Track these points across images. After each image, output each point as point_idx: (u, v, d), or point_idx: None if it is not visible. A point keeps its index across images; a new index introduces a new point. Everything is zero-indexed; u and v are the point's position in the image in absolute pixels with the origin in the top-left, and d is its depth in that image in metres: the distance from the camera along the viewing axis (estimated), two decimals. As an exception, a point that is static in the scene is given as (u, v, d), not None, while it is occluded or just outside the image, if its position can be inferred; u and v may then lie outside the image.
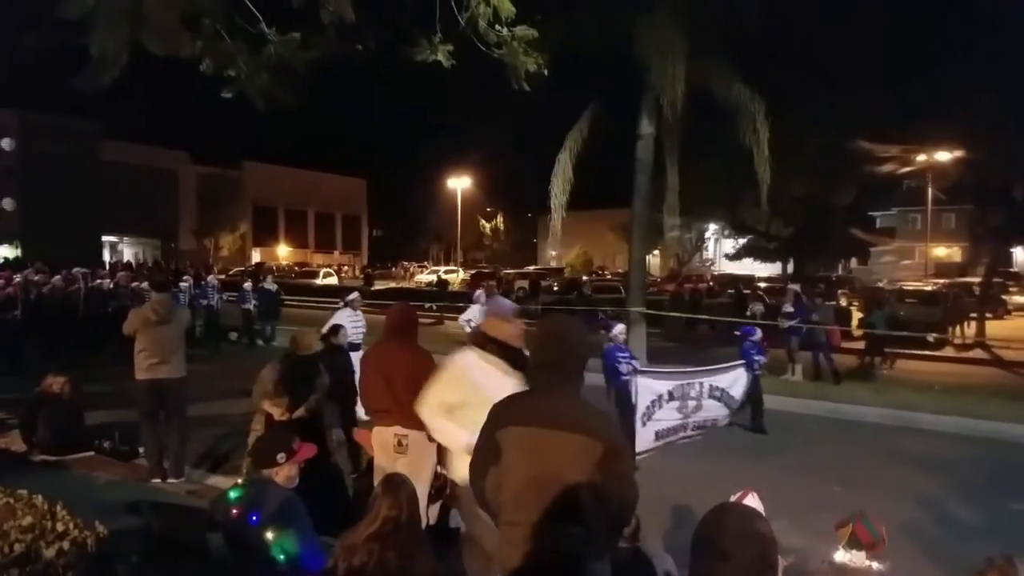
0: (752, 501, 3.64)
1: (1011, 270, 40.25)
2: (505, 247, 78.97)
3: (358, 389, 5.43)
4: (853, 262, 55.16)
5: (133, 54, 4.14)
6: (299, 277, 46.11)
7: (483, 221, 79.58)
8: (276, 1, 4.65)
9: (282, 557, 3.47)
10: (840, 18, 26.15)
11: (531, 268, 51.86)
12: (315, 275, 47.55)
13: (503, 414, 2.87)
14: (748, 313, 16.49)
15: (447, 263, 68.59)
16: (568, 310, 20.27)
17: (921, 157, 31.95)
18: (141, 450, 7.82)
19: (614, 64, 15.31)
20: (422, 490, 4.94)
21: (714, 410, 9.07)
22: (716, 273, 51.64)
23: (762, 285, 32.58)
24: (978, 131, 23.24)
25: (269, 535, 3.49)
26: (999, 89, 21.42)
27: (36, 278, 17.41)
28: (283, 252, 72.64)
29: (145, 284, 16.42)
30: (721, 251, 60.06)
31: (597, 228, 58.38)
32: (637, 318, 16.31)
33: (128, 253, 59.94)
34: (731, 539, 1.89)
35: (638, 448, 7.97)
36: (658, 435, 8.37)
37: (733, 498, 3.66)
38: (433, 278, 44.97)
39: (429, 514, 5.30)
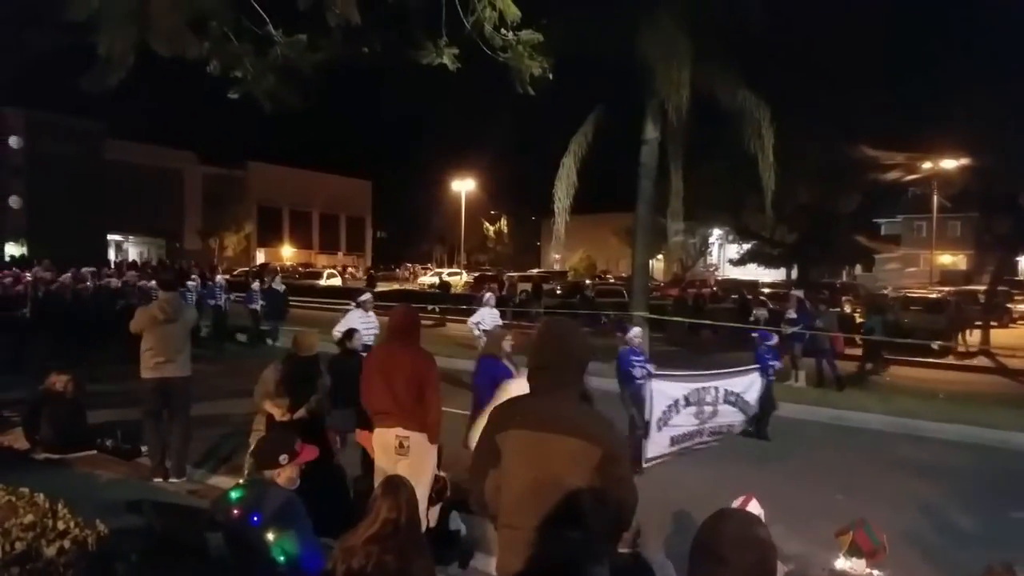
0: (753, 507, 3.64)
1: (1016, 278, 40.15)
2: (509, 250, 79.00)
3: (360, 390, 5.42)
4: (857, 269, 55.02)
5: (140, 54, 4.16)
6: (303, 278, 46.15)
7: (487, 224, 79.64)
8: (283, 3, 4.66)
9: (282, 558, 3.47)
10: (845, 24, 26.16)
11: (534, 271, 51.86)
12: (319, 276, 47.59)
13: (503, 417, 2.87)
14: (752, 319, 16.47)
15: (450, 265, 68.63)
16: (571, 314, 20.28)
17: (926, 164, 31.91)
18: (143, 449, 7.84)
19: (619, 69, 15.31)
20: (422, 492, 4.95)
21: (730, 415, 8.99)
22: (720, 278, 51.58)
23: (766, 291, 32.58)
24: (984, 138, 23.21)
25: (269, 536, 3.49)
26: (1005, 96, 21.37)
27: (45, 276, 17.48)
28: (287, 253, 72.75)
29: (153, 283, 16.44)
30: (725, 256, 60.00)
31: (601, 232, 58.40)
32: (640, 322, 16.29)
33: (133, 252, 60.07)
34: (729, 545, 1.89)
35: (652, 453, 7.93)
36: (673, 440, 8.31)
37: (735, 504, 3.67)
38: (435, 280, 44.95)
39: (429, 516, 5.32)
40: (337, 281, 48.72)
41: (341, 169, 78.69)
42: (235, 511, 3.58)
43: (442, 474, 5.62)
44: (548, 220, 19.81)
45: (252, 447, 5.67)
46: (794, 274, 41.74)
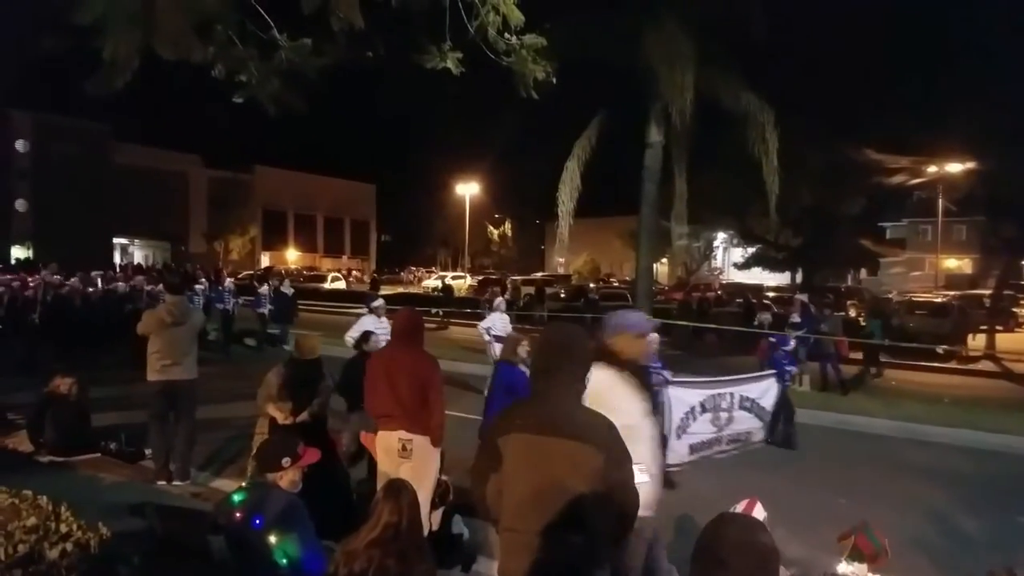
0: (757, 511, 3.63)
1: (1022, 283, 40.04)
2: (513, 253, 79.03)
3: (365, 393, 5.43)
4: (862, 273, 54.93)
5: (146, 58, 4.17)
6: (307, 281, 46.21)
7: (491, 227, 79.69)
8: (287, 7, 4.68)
9: (284, 561, 3.48)
10: (849, 27, 26.16)
11: (538, 275, 51.84)
12: (323, 279, 47.65)
13: (505, 421, 2.88)
14: (756, 323, 16.42)
15: (455, 269, 68.68)
16: (575, 317, 20.26)
17: (931, 168, 31.83)
18: (147, 451, 7.85)
19: (622, 72, 15.32)
20: (425, 496, 4.95)
21: (746, 422, 8.92)
22: (724, 282, 51.52)
23: (771, 295, 32.52)
24: (990, 142, 23.16)
25: (272, 539, 3.50)
26: (1011, 99, 21.34)
27: (53, 279, 17.52)
28: (292, 256, 72.86)
29: (160, 287, 16.47)
30: (730, 260, 59.93)
31: (605, 235, 58.40)
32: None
33: (138, 255, 60.22)
34: (730, 549, 1.90)
35: (670, 461, 7.82)
36: (692, 448, 8.26)
37: (739, 508, 3.66)
38: (439, 283, 44.95)
39: (432, 520, 5.32)
40: (341, 284, 48.74)
41: (345, 173, 78.85)
42: (237, 514, 3.59)
43: (444, 478, 5.62)
44: (552, 223, 19.78)
45: (255, 450, 5.67)
46: (799, 278, 41.67)
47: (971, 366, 20.53)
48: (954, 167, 30.66)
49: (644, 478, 3.12)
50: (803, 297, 17.52)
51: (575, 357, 2.90)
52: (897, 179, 30.67)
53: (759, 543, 1.95)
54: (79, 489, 6.07)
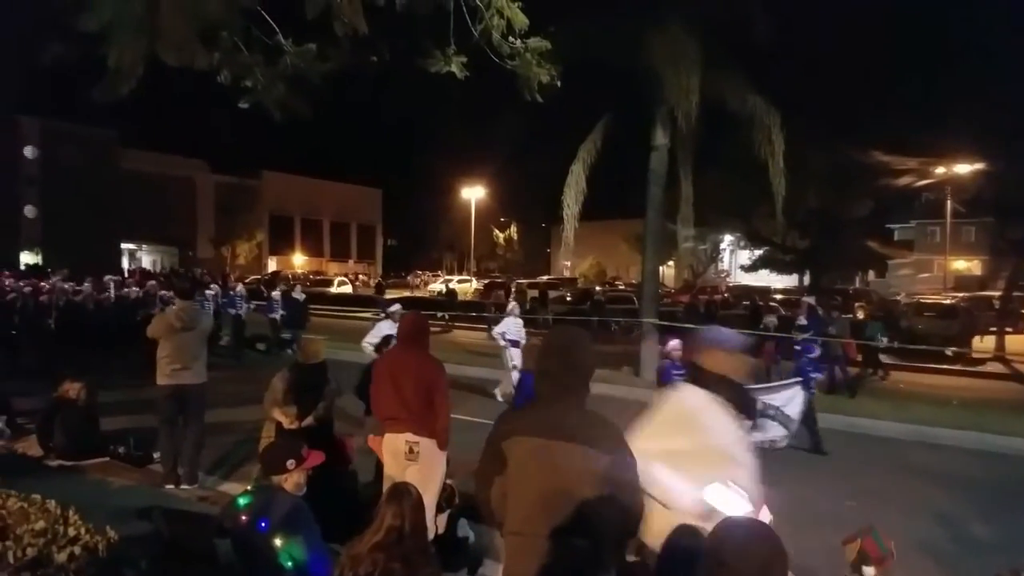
0: (763, 514, 3.62)
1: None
2: (518, 257, 79.09)
3: (370, 396, 5.44)
4: (870, 275, 54.79)
5: (153, 64, 4.20)
6: (313, 285, 46.30)
7: (496, 231, 79.73)
8: (291, 13, 4.70)
9: (289, 564, 3.49)
10: (856, 28, 26.12)
11: (544, 278, 51.86)
12: (329, 284, 47.72)
13: (509, 424, 2.88)
14: (762, 325, 16.39)
15: (460, 272, 68.74)
16: (581, 320, 20.25)
17: (940, 169, 31.74)
18: (156, 455, 7.88)
19: (627, 75, 15.32)
20: (431, 499, 4.96)
21: (771, 430, 8.82)
22: (731, 284, 51.44)
23: (778, 297, 32.44)
24: (998, 143, 23.10)
25: (277, 542, 3.51)
26: (1019, 100, 21.27)
27: (65, 285, 17.60)
28: (299, 261, 72.99)
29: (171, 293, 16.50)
30: (736, 262, 59.84)
31: (611, 238, 58.41)
32: (650, 329, 16.30)
33: (146, 260, 60.44)
34: (735, 552, 1.90)
35: None
36: None
37: (745, 511, 3.65)
38: (442, 287, 44.98)
39: (437, 523, 5.32)
40: (348, 289, 48.84)
41: (351, 177, 79.03)
42: (243, 517, 3.60)
43: (449, 481, 5.63)
44: (558, 227, 19.83)
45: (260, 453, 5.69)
46: (806, 280, 41.60)
47: (980, 368, 20.45)
48: (962, 168, 30.55)
49: (746, 506, 2.90)
50: (810, 299, 17.47)
51: (579, 361, 2.90)
52: (904, 180, 30.60)
53: (765, 546, 1.95)
54: (87, 493, 6.10)
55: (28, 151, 51.07)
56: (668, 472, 3.05)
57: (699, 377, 3.32)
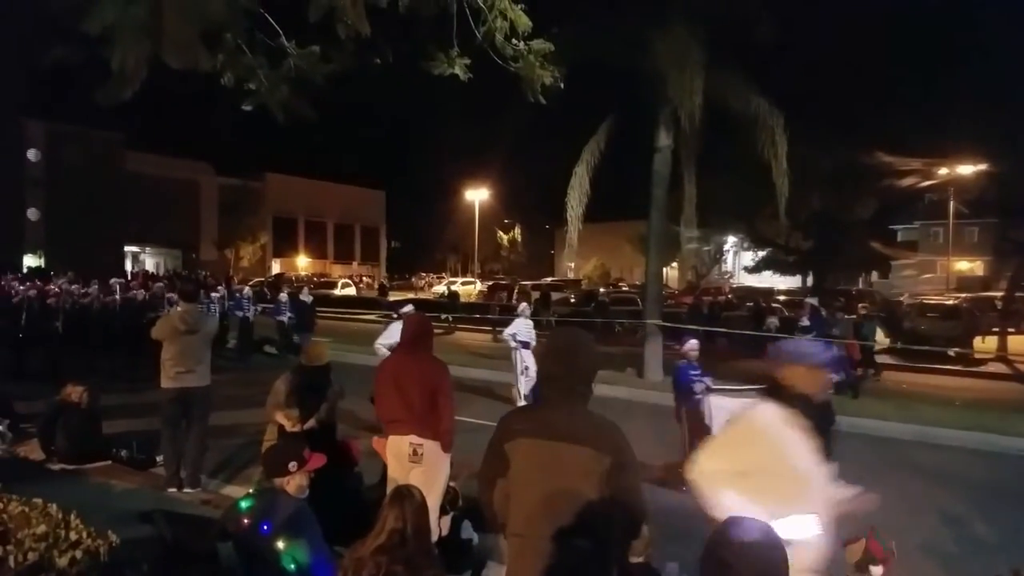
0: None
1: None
2: (522, 259, 79.10)
3: (374, 398, 5.42)
4: (874, 276, 54.72)
5: (157, 66, 4.20)
6: (317, 288, 46.38)
7: (500, 233, 79.76)
8: (294, 15, 4.70)
9: (292, 567, 3.48)
10: (860, 29, 26.07)
11: (547, 280, 51.86)
12: (333, 286, 47.78)
13: (512, 426, 2.87)
14: (764, 327, 16.39)
15: (464, 274, 68.77)
16: (585, 322, 20.23)
17: (943, 170, 31.71)
18: (158, 459, 7.88)
19: (631, 77, 15.33)
20: (435, 501, 4.95)
21: None
22: (735, 286, 51.40)
23: (781, 298, 32.44)
24: (1001, 143, 23.06)
25: (279, 545, 3.50)
26: (1023, 100, 21.25)
27: (71, 289, 17.58)
28: (302, 263, 73.08)
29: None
30: (740, 264, 59.81)
31: (615, 240, 58.39)
32: (653, 330, 16.29)
33: (150, 263, 60.48)
34: (738, 553, 1.90)
35: None
36: None
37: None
38: (444, 289, 44.97)
39: (441, 525, 5.31)
40: (352, 291, 48.94)
41: (355, 179, 79.08)
42: (245, 520, 3.60)
43: (452, 484, 5.61)
44: (562, 228, 19.79)
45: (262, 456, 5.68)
46: (810, 281, 41.57)
47: (982, 368, 20.40)
48: (965, 169, 30.52)
49: (816, 530, 2.76)
50: (813, 301, 17.47)
51: (582, 362, 2.90)
52: (908, 181, 30.60)
53: (768, 547, 1.95)
54: (89, 496, 6.09)
55: (32, 154, 51.13)
56: (736, 496, 2.88)
57: (777, 393, 3.12)
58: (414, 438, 5.14)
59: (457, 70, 5.40)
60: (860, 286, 49.11)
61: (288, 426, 6.35)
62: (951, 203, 38.16)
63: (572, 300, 33.86)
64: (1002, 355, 22.34)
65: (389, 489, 4.39)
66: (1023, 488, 8.94)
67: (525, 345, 12.58)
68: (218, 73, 4.84)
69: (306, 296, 20.34)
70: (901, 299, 33.68)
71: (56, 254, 45.26)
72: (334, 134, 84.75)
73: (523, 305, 14.51)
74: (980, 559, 6.33)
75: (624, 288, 43.95)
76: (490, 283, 50.65)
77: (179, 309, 7.79)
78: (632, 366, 16.36)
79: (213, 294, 19.76)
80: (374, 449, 5.67)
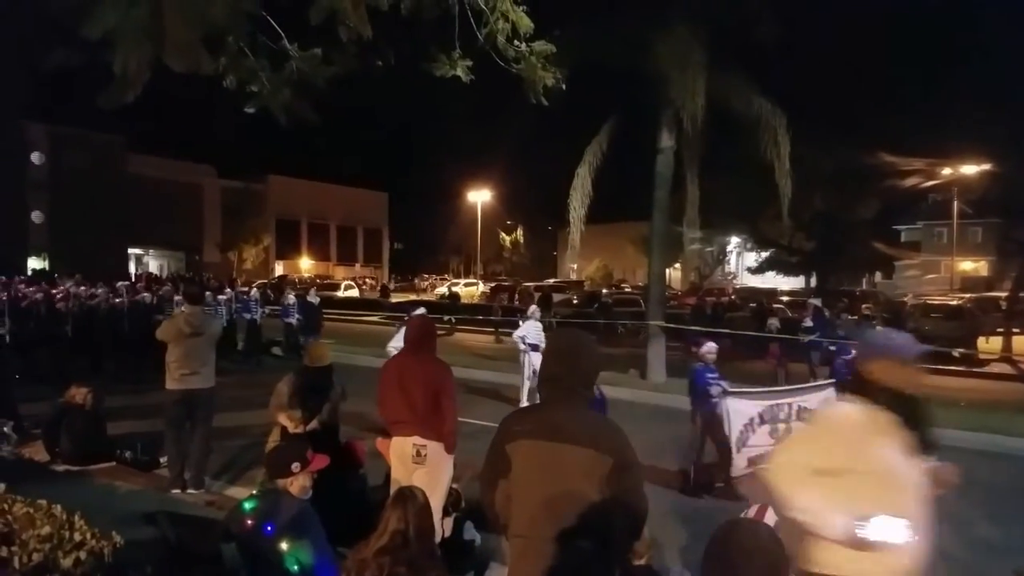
0: (768, 516, 3.61)
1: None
2: (525, 260, 79.05)
3: (378, 399, 5.44)
4: (877, 276, 54.66)
5: (159, 69, 4.21)
6: (320, 290, 46.35)
7: (503, 234, 79.76)
8: (296, 18, 4.72)
9: (296, 568, 3.49)
10: (862, 29, 26.08)
11: (550, 281, 51.86)
12: (336, 287, 47.81)
13: (513, 427, 2.88)
14: (766, 328, 16.39)
15: (467, 276, 68.77)
16: (584, 324, 20.22)
17: (946, 170, 31.69)
18: (162, 460, 7.89)
19: (633, 78, 15.32)
20: (438, 502, 4.95)
21: None
22: (738, 287, 51.36)
23: (784, 299, 32.41)
24: (1005, 144, 23.04)
25: (283, 546, 3.51)
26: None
27: (80, 291, 17.58)
28: (305, 265, 73.12)
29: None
30: (743, 264, 59.76)
31: (617, 241, 58.33)
32: (656, 332, 16.28)
33: (153, 265, 60.53)
34: (739, 553, 1.90)
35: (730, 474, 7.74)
36: (751, 462, 8.03)
37: (751, 512, 3.65)
38: (445, 291, 44.98)
39: (444, 526, 5.31)
40: (355, 293, 49.00)
41: (358, 181, 79.09)
42: (248, 521, 3.60)
43: (455, 486, 5.62)
44: (564, 230, 19.79)
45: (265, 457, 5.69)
46: (813, 282, 41.54)
47: (987, 369, 20.35)
48: (969, 169, 30.49)
49: (909, 536, 2.55)
50: (816, 301, 17.45)
51: (583, 363, 2.90)
52: (911, 182, 30.59)
53: (767, 546, 1.96)
54: (94, 498, 6.10)
55: (35, 157, 51.16)
56: (817, 496, 2.68)
57: (865, 389, 2.89)
58: (417, 439, 5.15)
59: (459, 72, 5.41)
60: (864, 287, 49.09)
61: (290, 427, 6.36)
62: (955, 203, 38.11)
63: (575, 301, 33.86)
64: (1006, 355, 22.29)
65: (392, 490, 4.41)
66: (1027, 488, 8.91)
67: (534, 348, 12.51)
68: (220, 76, 4.86)
69: (313, 298, 20.31)
70: (905, 299, 33.63)
71: (60, 257, 45.28)
72: (337, 136, 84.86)
73: (533, 307, 14.40)
74: (984, 559, 6.32)
75: (627, 289, 43.93)
76: (493, 284, 50.65)
77: (184, 311, 7.80)
78: (635, 367, 16.35)
79: (220, 297, 19.70)
80: (378, 450, 5.68)
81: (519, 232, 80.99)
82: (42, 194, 50.66)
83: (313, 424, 6.42)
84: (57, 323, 15.10)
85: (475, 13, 5.16)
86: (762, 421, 8.17)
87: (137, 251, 60.27)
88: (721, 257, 57.41)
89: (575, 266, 63.53)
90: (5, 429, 8.70)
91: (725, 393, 8.24)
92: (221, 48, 4.65)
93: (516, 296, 37.11)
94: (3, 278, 21.05)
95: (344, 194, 77.12)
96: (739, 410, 8.07)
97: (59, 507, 3.84)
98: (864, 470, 2.67)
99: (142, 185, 55.73)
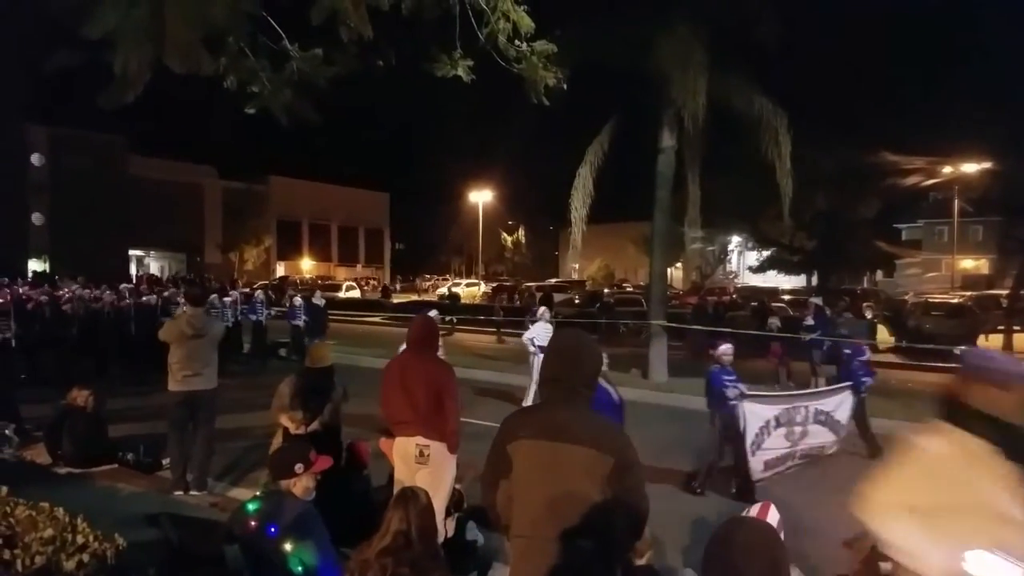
0: (771, 514, 3.61)
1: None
2: (527, 260, 79.02)
3: (380, 400, 5.43)
4: (878, 274, 54.65)
5: (160, 69, 4.21)
6: (322, 290, 46.31)
7: (504, 234, 79.74)
8: (297, 18, 4.71)
9: (299, 569, 3.48)
10: (862, 28, 26.08)
11: (551, 281, 51.87)
12: (338, 288, 47.85)
13: (514, 427, 2.88)
14: (766, 327, 16.38)
15: (469, 276, 68.78)
16: (585, 324, 20.21)
17: (947, 169, 31.69)
18: (165, 462, 7.88)
19: (634, 78, 15.32)
20: (440, 503, 4.95)
21: (820, 435, 8.65)
22: (739, 286, 51.35)
23: (786, 298, 32.40)
24: (1006, 142, 23.03)
25: (286, 547, 3.50)
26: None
27: (84, 294, 17.58)
28: (307, 265, 73.12)
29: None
30: (744, 264, 59.75)
31: (619, 241, 58.33)
32: (658, 331, 16.27)
33: (154, 266, 60.57)
34: (740, 552, 1.90)
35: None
36: (767, 465, 8.05)
37: (752, 511, 3.64)
38: (445, 291, 44.97)
39: (446, 527, 5.31)
40: (356, 293, 49.06)
41: (359, 182, 79.07)
42: (252, 523, 3.59)
43: (457, 486, 5.62)
44: (566, 229, 19.82)
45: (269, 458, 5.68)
46: (814, 280, 41.53)
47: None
48: (969, 167, 30.48)
49: (1014, 572, 2.37)
50: (817, 300, 17.44)
51: (584, 363, 2.90)
52: (912, 180, 30.60)
53: (768, 545, 1.95)
54: (96, 500, 6.10)
55: (35, 158, 51.13)
56: (915, 533, 2.50)
57: (960, 415, 2.64)
58: (420, 439, 5.15)
59: (460, 72, 5.41)
60: (865, 285, 49.07)
61: (292, 428, 6.35)
62: (955, 201, 38.12)
63: (577, 301, 33.87)
64: (1007, 353, 22.26)
65: (396, 490, 4.40)
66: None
67: (543, 350, 12.46)
68: (221, 76, 4.85)
69: (319, 299, 20.31)
70: (906, 298, 33.63)
71: (60, 259, 45.24)
72: (338, 137, 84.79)
73: (543, 309, 14.34)
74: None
75: (628, 289, 43.94)
76: (494, 285, 50.65)
77: (186, 312, 7.80)
78: (637, 367, 16.35)
79: (226, 298, 19.67)
80: (381, 450, 5.68)
81: (520, 232, 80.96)
82: (42, 196, 50.64)
83: (314, 425, 6.41)
84: (63, 326, 15.09)
85: (476, 13, 5.15)
86: (778, 424, 8.14)
87: (138, 252, 60.28)
88: (722, 256, 57.40)
89: (577, 266, 63.56)
90: (6, 432, 8.69)
91: (743, 396, 8.19)
92: (221, 48, 4.65)
93: (517, 296, 37.10)
94: (6, 280, 21.04)
95: (345, 194, 77.11)
96: (755, 412, 8.03)
97: (61, 510, 3.84)
98: (965, 506, 2.49)
99: (143, 186, 55.72)
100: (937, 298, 30.13)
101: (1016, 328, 24.31)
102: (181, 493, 7.25)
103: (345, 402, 6.93)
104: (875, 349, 18.01)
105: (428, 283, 67.44)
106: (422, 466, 5.14)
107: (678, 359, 17.15)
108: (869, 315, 17.34)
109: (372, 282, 64.82)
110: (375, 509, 5.87)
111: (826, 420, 8.72)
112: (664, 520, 5.43)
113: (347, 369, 7.24)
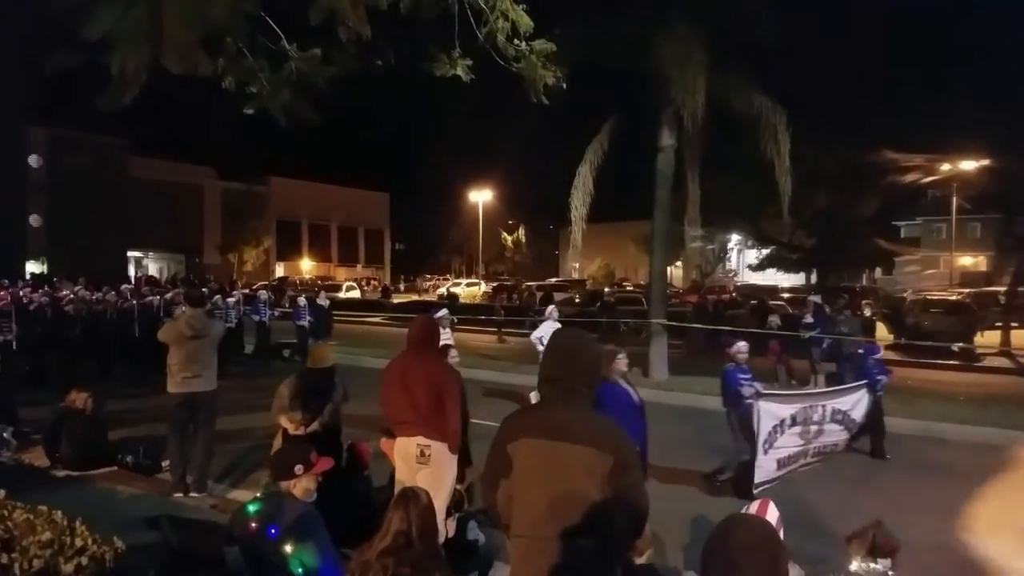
0: (770, 511, 3.59)
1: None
2: (527, 259, 78.97)
3: (381, 400, 5.42)
4: (877, 272, 54.65)
5: (159, 71, 4.20)
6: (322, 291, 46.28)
7: (504, 234, 79.71)
8: (295, 18, 4.70)
9: (300, 571, 3.47)
10: (861, 26, 26.07)
11: (552, 280, 51.87)
12: (338, 289, 47.84)
13: (514, 426, 2.87)
14: (766, 325, 16.37)
15: (469, 276, 68.76)
16: (586, 323, 20.21)
17: (945, 166, 31.70)
18: (164, 464, 7.87)
19: (634, 77, 15.32)
20: (441, 503, 4.94)
21: (835, 434, 8.55)
22: (739, 284, 51.36)
23: (785, 296, 32.39)
24: (1003, 139, 23.03)
25: (287, 548, 3.49)
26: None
27: (87, 295, 17.55)
28: (306, 266, 73.09)
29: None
30: (744, 262, 59.75)
31: (619, 240, 58.32)
32: (658, 330, 16.27)
33: (153, 268, 60.55)
34: (740, 550, 1.89)
35: (758, 479, 7.61)
36: (780, 464, 7.94)
37: (751, 508, 3.63)
38: (444, 291, 44.94)
39: (447, 527, 5.30)
40: (356, 293, 49.06)
41: (359, 182, 79.02)
42: (252, 524, 3.58)
43: (459, 487, 5.61)
44: (566, 229, 19.83)
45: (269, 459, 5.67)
46: (814, 278, 41.52)
47: (986, 363, 20.35)
48: (968, 165, 30.49)
49: None
50: (816, 298, 17.44)
51: (583, 362, 2.90)
52: (910, 178, 30.59)
53: (768, 543, 1.94)
54: (95, 503, 6.09)
55: (33, 160, 51.05)
56: None
57: None
58: (421, 439, 5.14)
59: (459, 71, 5.40)
60: (864, 283, 49.06)
61: (291, 429, 6.34)
62: (954, 199, 38.15)
63: (577, 300, 33.86)
64: (1005, 350, 22.28)
65: (397, 491, 4.39)
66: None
67: None
68: (219, 77, 4.85)
69: (323, 300, 20.30)
70: (904, 295, 33.63)
71: (59, 260, 45.18)
72: (337, 137, 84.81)
73: (551, 308, 14.31)
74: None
75: (629, 288, 43.93)
76: (495, 284, 50.65)
77: (185, 313, 7.78)
78: (637, 366, 16.32)
79: (229, 299, 19.62)
80: (382, 451, 5.67)
81: (520, 232, 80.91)
82: (41, 197, 50.59)
83: (314, 426, 6.40)
84: (64, 327, 15.08)
85: (475, 12, 5.15)
86: (793, 423, 8.05)
87: (137, 254, 60.24)
88: (722, 255, 57.43)
89: (577, 265, 63.60)
90: (5, 435, 8.68)
91: (759, 395, 8.13)
92: (220, 49, 4.64)
93: (517, 295, 37.06)
94: (5, 282, 21.00)
95: (345, 195, 77.07)
96: (770, 411, 7.94)
97: (60, 513, 3.83)
98: None
99: (141, 187, 55.69)
100: (935, 295, 30.15)
101: (1014, 324, 24.31)
102: (181, 495, 7.24)
103: (345, 402, 6.93)
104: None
105: (429, 283, 67.43)
106: (423, 466, 5.13)
107: (678, 357, 17.14)
108: (868, 312, 17.31)
109: (373, 282, 64.77)
110: (376, 509, 5.86)
111: (843, 419, 8.69)
112: (665, 518, 5.42)
113: (348, 369, 7.23)
